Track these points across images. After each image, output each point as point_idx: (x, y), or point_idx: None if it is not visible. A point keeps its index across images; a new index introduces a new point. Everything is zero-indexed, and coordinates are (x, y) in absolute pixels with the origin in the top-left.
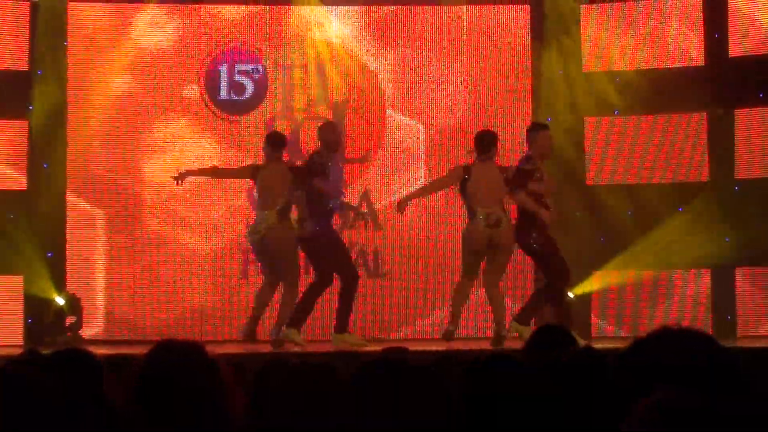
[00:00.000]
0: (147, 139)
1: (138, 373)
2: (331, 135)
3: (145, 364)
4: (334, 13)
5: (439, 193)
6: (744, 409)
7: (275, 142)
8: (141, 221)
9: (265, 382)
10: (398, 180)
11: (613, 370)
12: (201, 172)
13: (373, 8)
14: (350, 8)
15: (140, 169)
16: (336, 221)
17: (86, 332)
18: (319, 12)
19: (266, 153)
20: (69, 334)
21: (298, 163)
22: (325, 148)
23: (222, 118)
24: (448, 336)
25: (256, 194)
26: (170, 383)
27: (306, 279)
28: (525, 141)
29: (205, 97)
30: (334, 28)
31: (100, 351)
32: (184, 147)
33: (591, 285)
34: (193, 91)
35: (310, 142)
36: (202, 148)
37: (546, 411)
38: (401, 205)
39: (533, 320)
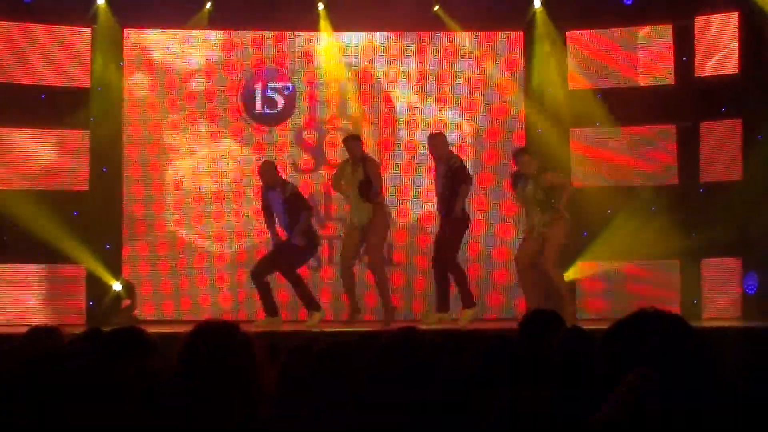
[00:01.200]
0: (191, 146)
1: (181, 350)
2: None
3: (187, 342)
4: (350, 38)
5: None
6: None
7: None
8: (186, 217)
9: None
10: (411, 182)
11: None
12: None
13: (385, 33)
14: (365, 33)
15: (185, 171)
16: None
17: (140, 313)
18: (338, 37)
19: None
20: (125, 315)
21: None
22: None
23: (257, 129)
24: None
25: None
26: (210, 360)
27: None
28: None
29: (242, 110)
30: (353, 51)
31: (152, 329)
32: (222, 153)
33: (576, 272)
34: (231, 105)
35: (331, 149)
36: (238, 154)
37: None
38: None
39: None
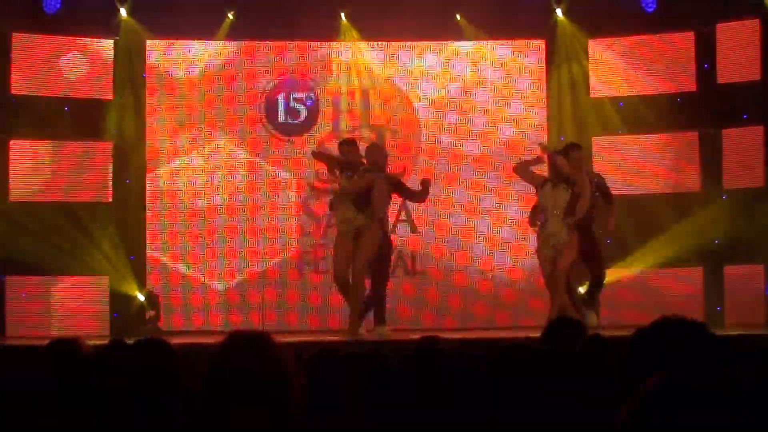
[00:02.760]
0: (213, 157)
1: (213, 360)
2: (378, 155)
3: (218, 352)
4: (372, 47)
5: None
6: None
7: None
8: (207, 228)
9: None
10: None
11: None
12: None
13: (407, 43)
14: (387, 43)
15: (207, 182)
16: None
17: (163, 324)
18: (361, 46)
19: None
20: (149, 326)
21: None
22: (373, 166)
23: (280, 139)
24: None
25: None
26: (241, 371)
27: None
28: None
29: (265, 120)
30: (376, 61)
31: (175, 341)
32: (245, 164)
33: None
34: (254, 116)
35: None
36: (261, 165)
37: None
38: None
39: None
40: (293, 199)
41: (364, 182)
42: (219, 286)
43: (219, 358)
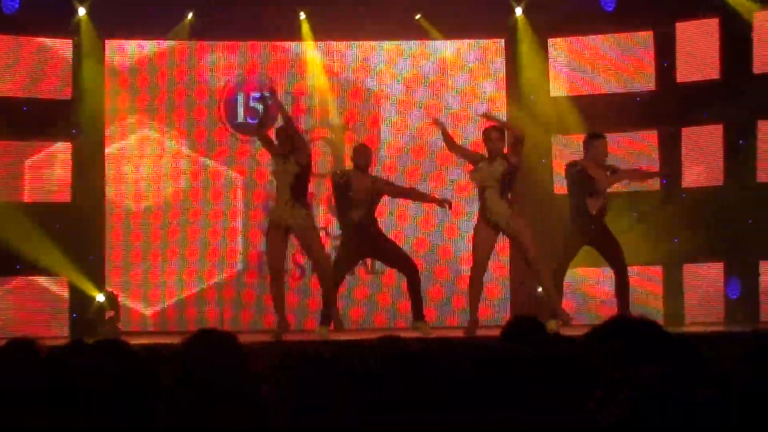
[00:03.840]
0: (173, 156)
1: (178, 360)
2: (358, 157)
3: (184, 352)
4: (332, 47)
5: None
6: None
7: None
8: (169, 228)
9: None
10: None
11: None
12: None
13: (366, 42)
14: (347, 42)
15: (167, 182)
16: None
17: (123, 325)
18: (319, 46)
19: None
20: (108, 326)
21: None
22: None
23: (238, 138)
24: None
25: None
26: (208, 371)
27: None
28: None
29: (225, 120)
30: (335, 60)
31: (135, 341)
32: (204, 163)
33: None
34: (214, 115)
35: (314, 158)
36: (221, 164)
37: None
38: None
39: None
40: (251, 198)
41: (292, 168)
42: (179, 287)
43: (184, 357)
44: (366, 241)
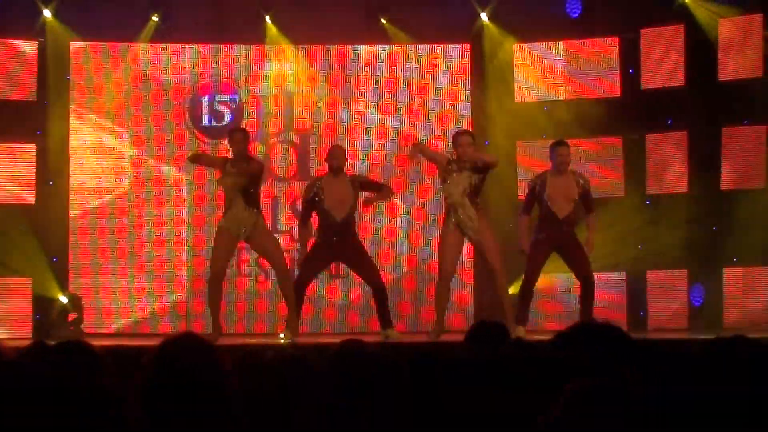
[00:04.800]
0: (137, 158)
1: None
2: (330, 159)
3: (157, 356)
4: (300, 51)
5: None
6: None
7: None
8: (132, 229)
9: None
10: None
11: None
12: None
13: (334, 46)
14: (314, 46)
15: (131, 183)
16: None
17: (86, 327)
18: (287, 49)
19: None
20: (71, 328)
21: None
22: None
23: (204, 142)
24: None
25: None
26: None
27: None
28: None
29: (189, 123)
30: (300, 65)
31: (97, 343)
32: (168, 166)
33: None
34: (178, 118)
35: (279, 162)
36: (184, 167)
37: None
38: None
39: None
40: (214, 202)
41: (251, 169)
42: (143, 289)
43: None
44: (344, 245)
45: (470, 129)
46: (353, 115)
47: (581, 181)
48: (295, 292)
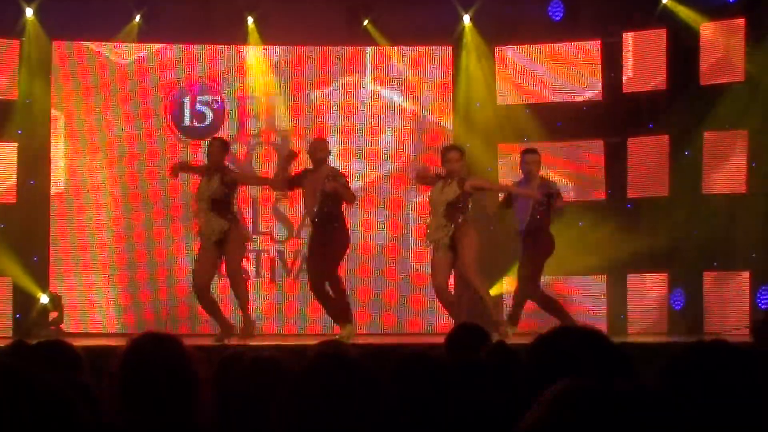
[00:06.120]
0: (119, 159)
1: (120, 362)
2: (317, 152)
3: (127, 354)
4: (280, 51)
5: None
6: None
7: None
8: (114, 229)
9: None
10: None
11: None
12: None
13: (314, 48)
14: (293, 48)
15: (113, 184)
16: None
17: (66, 326)
18: (268, 50)
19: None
20: (52, 327)
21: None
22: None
23: (185, 142)
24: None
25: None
26: (150, 373)
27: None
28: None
29: (171, 123)
30: (282, 65)
31: (78, 342)
32: (151, 166)
33: (502, 287)
34: (160, 119)
35: (260, 162)
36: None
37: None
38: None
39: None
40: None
41: (225, 180)
42: (122, 290)
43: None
44: (312, 235)
45: (452, 128)
46: (337, 117)
47: (545, 189)
48: (317, 290)
